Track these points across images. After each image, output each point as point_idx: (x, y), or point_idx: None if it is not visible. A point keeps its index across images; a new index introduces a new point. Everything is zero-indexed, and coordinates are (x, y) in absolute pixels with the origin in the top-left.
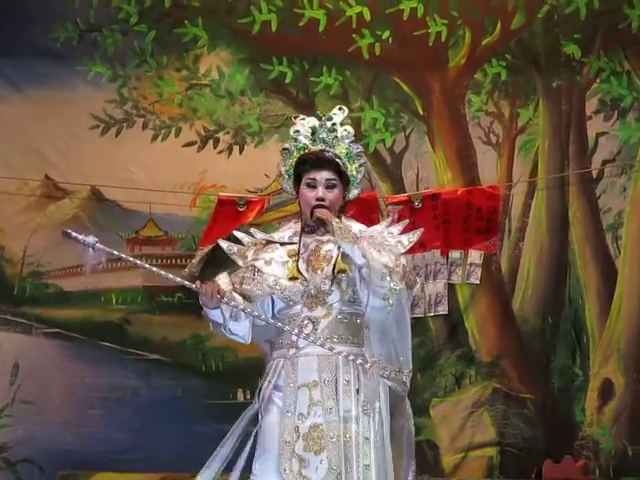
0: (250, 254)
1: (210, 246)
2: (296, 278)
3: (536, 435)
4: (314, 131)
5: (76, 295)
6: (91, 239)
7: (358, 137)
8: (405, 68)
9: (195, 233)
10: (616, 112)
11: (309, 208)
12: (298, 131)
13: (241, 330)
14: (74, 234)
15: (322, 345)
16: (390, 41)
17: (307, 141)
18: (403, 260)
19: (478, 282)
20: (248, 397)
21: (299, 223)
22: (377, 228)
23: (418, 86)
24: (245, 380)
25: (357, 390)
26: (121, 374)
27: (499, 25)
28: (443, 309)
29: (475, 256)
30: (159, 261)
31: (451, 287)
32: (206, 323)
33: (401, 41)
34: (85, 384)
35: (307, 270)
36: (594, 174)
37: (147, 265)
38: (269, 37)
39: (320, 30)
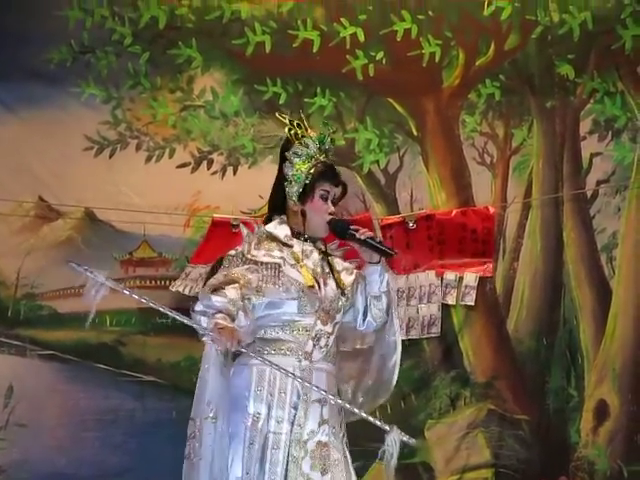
0: (253, 246)
1: (206, 266)
2: (313, 287)
3: (531, 456)
4: (321, 140)
5: (70, 317)
6: (101, 277)
7: (352, 158)
8: (399, 89)
9: (189, 254)
10: (610, 132)
11: (321, 219)
12: (310, 137)
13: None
14: (85, 271)
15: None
16: (384, 62)
17: (315, 149)
18: None
19: (472, 304)
20: None
21: (284, 225)
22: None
23: (412, 107)
24: None
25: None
26: (115, 396)
27: (493, 46)
28: (436, 331)
29: (470, 278)
30: (153, 282)
31: (446, 308)
32: (201, 345)
33: (395, 62)
34: (79, 406)
35: (317, 281)
36: (588, 194)
37: (161, 307)
38: (263, 58)
39: (314, 51)
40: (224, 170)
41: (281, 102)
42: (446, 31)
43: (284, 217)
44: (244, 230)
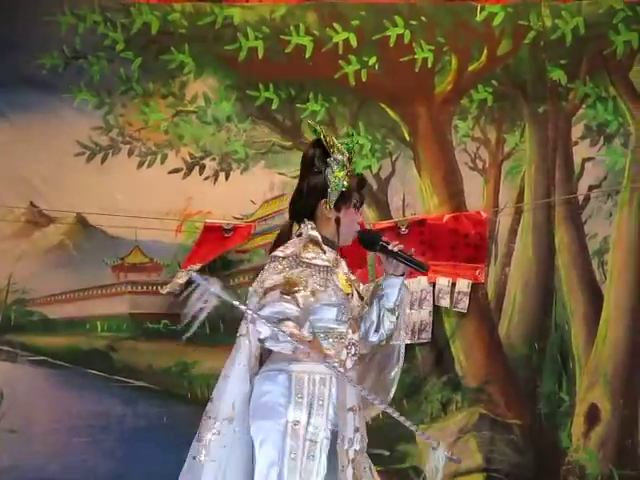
0: (302, 248)
1: (197, 266)
2: (349, 294)
3: (523, 461)
4: (349, 150)
5: (61, 323)
6: (215, 288)
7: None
8: (391, 94)
9: (181, 259)
10: (602, 138)
11: (352, 228)
12: (347, 144)
13: None
14: (203, 280)
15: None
16: (376, 67)
17: (346, 158)
18: None
19: (465, 311)
20: None
21: (316, 231)
22: None
23: (404, 112)
24: None
25: None
26: (107, 402)
27: (485, 51)
28: (426, 336)
29: (463, 285)
30: (145, 288)
31: (437, 313)
32: (192, 350)
33: (387, 67)
34: (70, 412)
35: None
36: (580, 199)
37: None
38: (255, 64)
39: (307, 56)
40: (216, 175)
41: (274, 107)
42: (439, 36)
43: (313, 224)
44: (307, 235)
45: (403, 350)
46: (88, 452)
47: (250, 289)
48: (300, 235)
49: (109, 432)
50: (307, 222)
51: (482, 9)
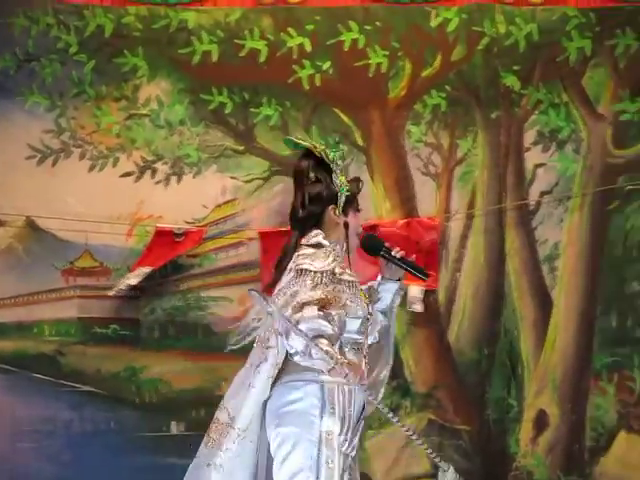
0: (333, 261)
1: (148, 268)
2: (367, 305)
3: (471, 466)
4: (342, 157)
5: (9, 327)
6: (273, 308)
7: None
8: (345, 99)
9: (131, 264)
10: (554, 144)
11: (357, 232)
12: (337, 151)
13: None
14: (263, 300)
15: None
16: (330, 72)
17: (342, 165)
18: None
19: (422, 310)
20: (182, 429)
21: (338, 243)
22: None
23: (358, 117)
24: (179, 412)
25: None
26: (54, 406)
27: (439, 57)
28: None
29: (415, 291)
30: (93, 292)
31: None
32: (141, 355)
33: (341, 72)
34: (16, 417)
35: None
36: (531, 206)
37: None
38: (209, 67)
39: (261, 61)
40: (168, 179)
41: (227, 112)
42: (393, 42)
43: (322, 232)
44: (326, 245)
45: (393, 351)
46: (33, 457)
47: (278, 302)
48: (316, 245)
49: (55, 437)
50: (316, 231)
51: (437, 14)
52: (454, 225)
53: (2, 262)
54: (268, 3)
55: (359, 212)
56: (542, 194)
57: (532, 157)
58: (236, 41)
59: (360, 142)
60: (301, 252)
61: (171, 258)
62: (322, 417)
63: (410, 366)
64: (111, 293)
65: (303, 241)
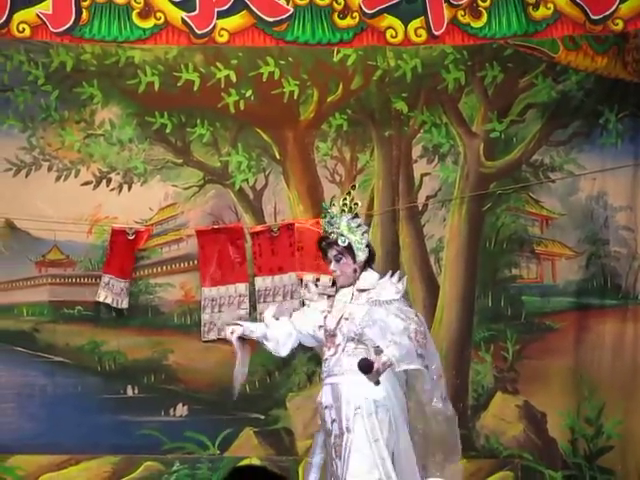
0: None
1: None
2: None
3: None
4: (332, 216)
5: None
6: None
7: (226, 177)
8: (265, 120)
9: (91, 256)
10: (437, 157)
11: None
12: (325, 217)
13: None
14: None
15: None
16: (252, 98)
17: (327, 225)
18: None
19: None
20: (136, 392)
21: None
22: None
23: (275, 135)
24: (133, 378)
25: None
26: (31, 374)
27: (341, 86)
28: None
29: (325, 280)
30: (62, 280)
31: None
32: (101, 331)
33: (261, 98)
34: (1, 383)
35: None
36: (420, 207)
37: None
38: (153, 95)
39: (195, 89)
40: (120, 187)
41: (168, 131)
42: (303, 74)
43: None
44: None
45: None
46: (15, 415)
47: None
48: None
49: (33, 399)
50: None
51: (338, 52)
52: None
53: None
54: (200, 43)
55: (330, 263)
56: (428, 198)
57: (419, 168)
58: (174, 74)
59: (278, 156)
60: None
61: (131, 257)
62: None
63: None
64: (99, 299)
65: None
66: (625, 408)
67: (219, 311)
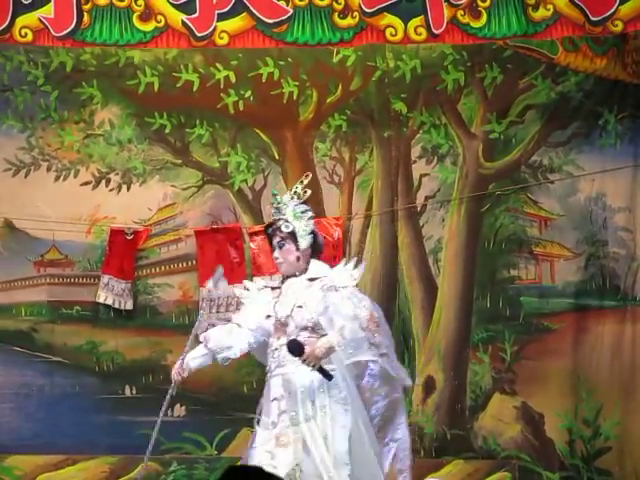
0: None
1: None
2: None
3: None
4: (279, 202)
5: None
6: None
7: (225, 177)
8: (264, 121)
9: (90, 256)
10: (436, 157)
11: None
12: (273, 203)
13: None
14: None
15: None
16: (251, 99)
17: (274, 212)
18: None
19: None
20: (134, 392)
21: None
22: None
23: (274, 136)
24: (132, 378)
25: None
26: (29, 374)
27: (340, 86)
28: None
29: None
30: (60, 280)
31: None
32: (99, 331)
33: (260, 99)
34: None
35: None
36: (418, 208)
37: None
38: (152, 96)
39: (194, 90)
40: (119, 187)
41: (167, 132)
42: (302, 74)
43: None
44: None
45: None
46: (14, 415)
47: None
48: None
49: (31, 399)
50: None
51: (337, 52)
52: (355, 224)
53: None
54: (200, 45)
55: (274, 250)
56: (427, 198)
57: (418, 168)
58: (174, 74)
59: (277, 156)
60: None
61: (130, 258)
62: None
63: None
64: (99, 300)
65: None
66: (623, 409)
67: (217, 311)
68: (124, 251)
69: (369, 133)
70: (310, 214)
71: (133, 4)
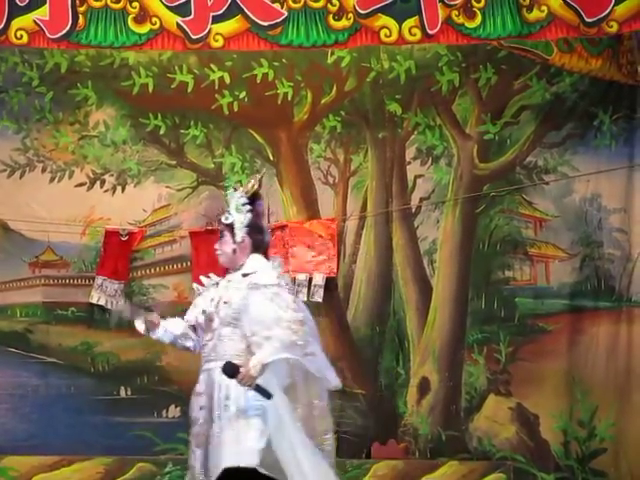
0: None
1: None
2: None
3: (366, 423)
4: (226, 195)
5: None
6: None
7: (220, 178)
8: (258, 122)
9: (85, 257)
10: (430, 159)
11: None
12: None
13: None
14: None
15: None
16: (246, 100)
17: (225, 204)
18: None
19: (321, 300)
20: (129, 393)
21: None
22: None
23: (269, 137)
24: (126, 379)
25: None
26: (24, 375)
27: (335, 87)
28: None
29: (318, 278)
30: (55, 281)
31: None
32: (94, 332)
33: (255, 100)
34: None
35: None
36: (413, 209)
37: None
38: (147, 97)
39: (189, 91)
40: (114, 188)
41: (161, 133)
42: (297, 75)
43: None
44: None
45: None
46: (9, 416)
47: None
48: None
49: (26, 400)
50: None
51: (332, 54)
52: (350, 225)
53: None
54: (195, 48)
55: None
56: (421, 199)
57: (412, 169)
58: (168, 75)
59: (271, 157)
60: None
61: (125, 259)
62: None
63: None
64: (93, 301)
65: None
66: (618, 410)
67: None
68: (119, 252)
69: (364, 134)
70: (249, 208)
71: (128, 6)
